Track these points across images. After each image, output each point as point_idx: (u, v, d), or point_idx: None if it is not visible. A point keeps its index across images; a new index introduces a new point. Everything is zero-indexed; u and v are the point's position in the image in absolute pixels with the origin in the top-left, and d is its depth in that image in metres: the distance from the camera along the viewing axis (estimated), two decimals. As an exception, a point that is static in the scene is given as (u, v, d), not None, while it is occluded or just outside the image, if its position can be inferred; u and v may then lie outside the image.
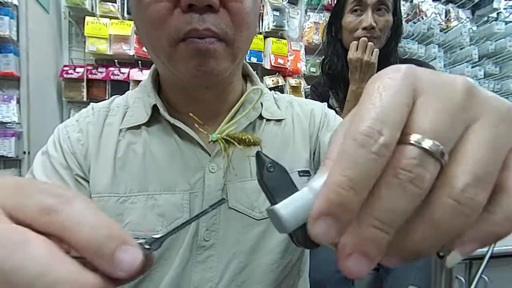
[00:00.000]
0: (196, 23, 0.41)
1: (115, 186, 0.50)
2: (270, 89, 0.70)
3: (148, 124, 0.53)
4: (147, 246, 0.20)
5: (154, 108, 0.52)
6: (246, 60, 1.77)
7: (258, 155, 0.21)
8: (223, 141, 0.24)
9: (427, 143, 0.17)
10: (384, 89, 0.18)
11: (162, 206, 0.49)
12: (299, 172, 0.54)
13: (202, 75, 0.45)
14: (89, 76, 1.54)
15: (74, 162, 0.50)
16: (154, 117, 0.53)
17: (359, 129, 0.17)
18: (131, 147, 0.52)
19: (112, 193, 0.50)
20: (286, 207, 0.20)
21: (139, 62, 1.58)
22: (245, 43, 0.47)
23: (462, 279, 1.28)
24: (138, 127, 0.53)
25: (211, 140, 0.26)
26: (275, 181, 0.21)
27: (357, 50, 1.15)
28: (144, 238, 0.20)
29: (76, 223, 0.18)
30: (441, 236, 0.18)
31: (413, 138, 0.17)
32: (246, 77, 0.61)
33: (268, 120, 0.57)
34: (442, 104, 0.18)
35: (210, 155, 0.51)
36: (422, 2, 1.98)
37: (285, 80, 1.77)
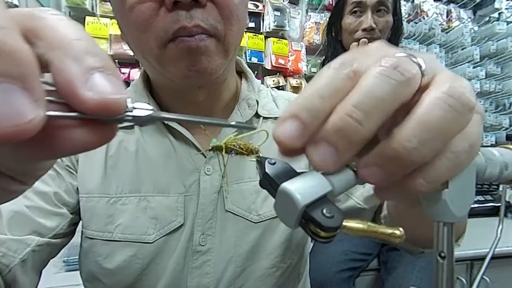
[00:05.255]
0: (184, 21, 0.39)
1: (106, 186, 0.48)
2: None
3: None
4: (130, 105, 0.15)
5: None
6: (246, 60, 1.77)
7: (258, 159, 0.21)
8: (224, 147, 0.24)
9: (413, 57, 0.18)
10: (371, 48, 0.20)
11: (155, 209, 0.47)
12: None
13: (195, 75, 0.43)
14: (90, 76, 1.54)
15: None
16: None
17: (337, 60, 0.19)
18: (123, 145, 0.50)
19: (102, 193, 0.48)
20: (293, 183, 0.18)
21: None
22: (236, 37, 0.45)
23: (464, 280, 1.28)
24: (131, 126, 0.52)
25: (212, 147, 0.25)
26: (279, 171, 0.20)
27: (357, 50, 1.15)
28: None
29: (57, 25, 0.14)
30: (429, 135, 0.17)
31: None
32: (241, 73, 0.59)
33: (265, 118, 0.55)
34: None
35: (205, 157, 0.50)
36: (423, 2, 1.98)
37: (286, 81, 1.77)
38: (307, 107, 0.18)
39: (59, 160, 0.48)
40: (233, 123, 0.19)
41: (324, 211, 0.18)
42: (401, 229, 0.19)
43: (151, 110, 0.16)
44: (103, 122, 0.15)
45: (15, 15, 0.14)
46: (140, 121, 0.16)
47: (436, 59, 0.20)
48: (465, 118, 0.18)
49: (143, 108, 0.16)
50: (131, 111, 0.15)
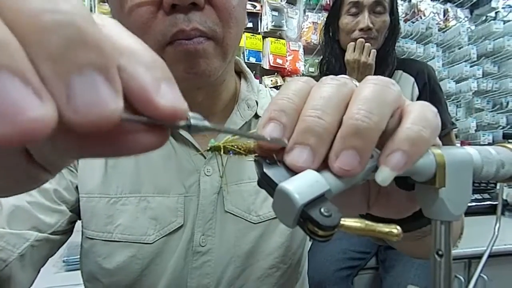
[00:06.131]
0: (182, 24, 0.39)
1: (106, 186, 0.48)
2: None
3: None
4: (192, 118, 0.15)
5: None
6: (244, 60, 1.77)
7: (257, 159, 0.21)
8: (222, 148, 0.24)
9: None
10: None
11: (155, 209, 0.48)
12: None
13: (193, 78, 0.43)
14: (88, 77, 1.54)
15: None
16: None
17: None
18: None
19: (102, 193, 0.48)
20: (291, 182, 0.19)
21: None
22: (234, 40, 0.45)
23: (461, 278, 1.29)
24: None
25: (210, 147, 0.25)
26: (277, 170, 0.20)
27: (354, 51, 1.15)
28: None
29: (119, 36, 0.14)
30: (371, 104, 0.20)
31: None
32: (240, 73, 0.59)
33: None
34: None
35: (205, 158, 0.50)
36: (420, 1, 1.98)
37: (284, 80, 1.77)
38: (279, 108, 0.21)
39: None
40: (268, 138, 0.20)
41: (322, 210, 0.18)
42: (398, 227, 0.19)
43: (204, 119, 0.16)
44: (165, 127, 0.15)
45: None
46: (196, 130, 0.16)
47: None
48: (390, 89, 0.22)
49: (196, 117, 0.16)
50: (189, 119, 0.16)
